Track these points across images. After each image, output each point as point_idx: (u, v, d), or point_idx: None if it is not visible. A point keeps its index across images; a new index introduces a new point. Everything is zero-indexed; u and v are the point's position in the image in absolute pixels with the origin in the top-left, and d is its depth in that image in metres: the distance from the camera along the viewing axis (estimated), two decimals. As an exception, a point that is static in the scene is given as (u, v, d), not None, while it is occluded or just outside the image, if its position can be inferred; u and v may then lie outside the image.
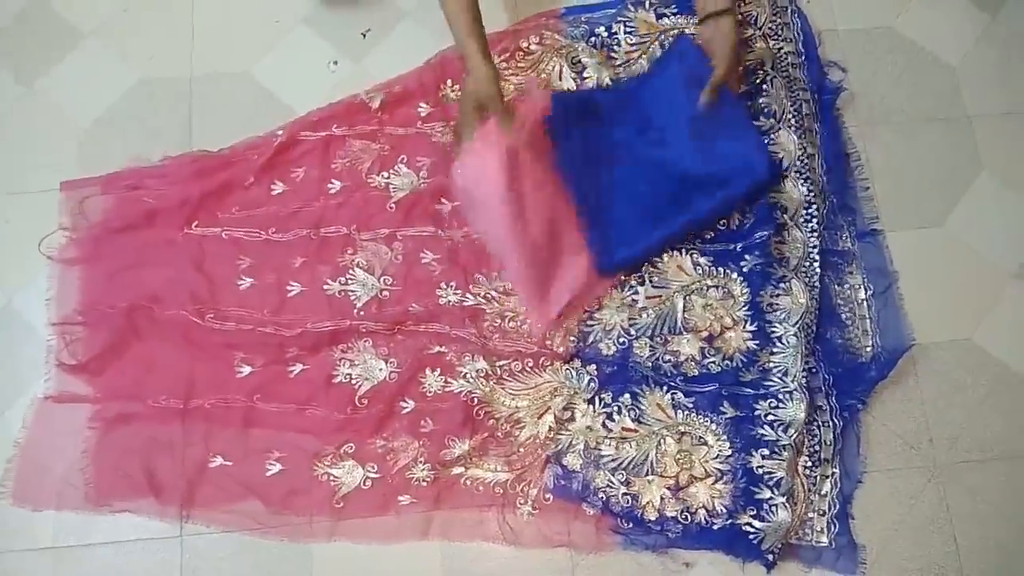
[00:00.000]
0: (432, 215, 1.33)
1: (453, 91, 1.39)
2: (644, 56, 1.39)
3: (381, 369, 1.26)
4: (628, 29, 1.41)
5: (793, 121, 1.37)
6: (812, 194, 1.34)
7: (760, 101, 1.36)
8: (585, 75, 1.38)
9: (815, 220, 1.33)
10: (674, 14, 1.42)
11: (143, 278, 1.28)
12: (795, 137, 1.36)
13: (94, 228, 1.31)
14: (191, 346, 1.25)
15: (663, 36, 1.40)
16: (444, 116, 1.37)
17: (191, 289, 1.28)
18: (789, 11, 1.45)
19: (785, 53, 1.42)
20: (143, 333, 1.26)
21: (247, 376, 1.25)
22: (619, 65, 1.39)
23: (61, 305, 1.28)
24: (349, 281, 1.30)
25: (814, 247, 1.32)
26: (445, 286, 1.29)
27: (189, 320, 1.26)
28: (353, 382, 1.25)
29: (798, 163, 1.35)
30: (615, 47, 1.40)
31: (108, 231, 1.30)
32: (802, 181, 1.34)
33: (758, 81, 1.38)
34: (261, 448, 1.22)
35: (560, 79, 1.38)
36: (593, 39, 1.39)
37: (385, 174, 1.35)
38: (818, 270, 1.31)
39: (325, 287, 1.29)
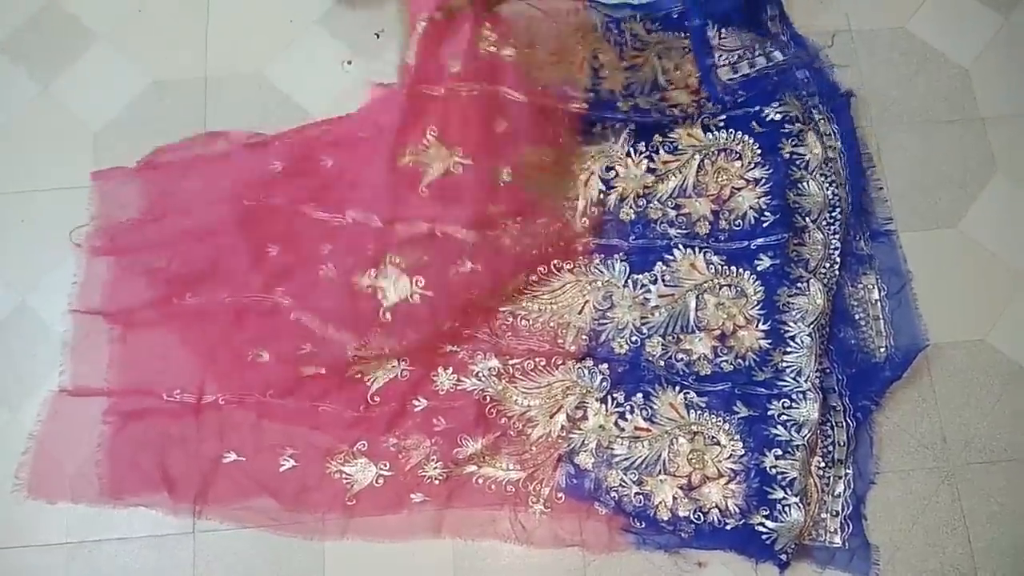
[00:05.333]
0: (476, 219, 1.23)
1: (493, 45, 1.28)
2: (647, 65, 1.39)
3: (394, 366, 1.26)
4: (632, 34, 1.41)
5: (815, 124, 1.37)
6: (837, 197, 1.34)
7: (779, 109, 1.35)
8: (601, 74, 1.38)
9: (838, 223, 1.33)
10: (659, 30, 1.42)
11: (169, 264, 1.29)
12: (819, 141, 1.35)
13: (123, 221, 1.32)
14: (208, 337, 1.26)
15: (658, 47, 1.40)
16: (478, 75, 1.26)
17: (226, 264, 1.28)
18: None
19: (784, 59, 1.42)
20: (164, 323, 1.27)
21: (262, 369, 1.25)
22: (627, 68, 1.39)
23: (84, 295, 1.28)
24: (380, 278, 1.24)
25: (835, 249, 1.31)
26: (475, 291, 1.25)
27: (210, 309, 1.26)
28: (366, 379, 1.25)
29: (824, 166, 1.35)
30: (624, 47, 1.40)
31: (137, 221, 1.31)
32: (827, 184, 1.34)
33: (768, 88, 1.37)
34: (274, 444, 1.22)
35: (580, 71, 1.37)
36: (607, 33, 1.39)
37: (411, 148, 1.25)
38: (837, 272, 1.30)
39: (354, 279, 1.24)
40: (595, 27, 1.39)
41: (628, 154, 1.35)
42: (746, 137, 1.35)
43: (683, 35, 1.40)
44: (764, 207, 1.30)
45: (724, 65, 1.38)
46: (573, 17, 1.39)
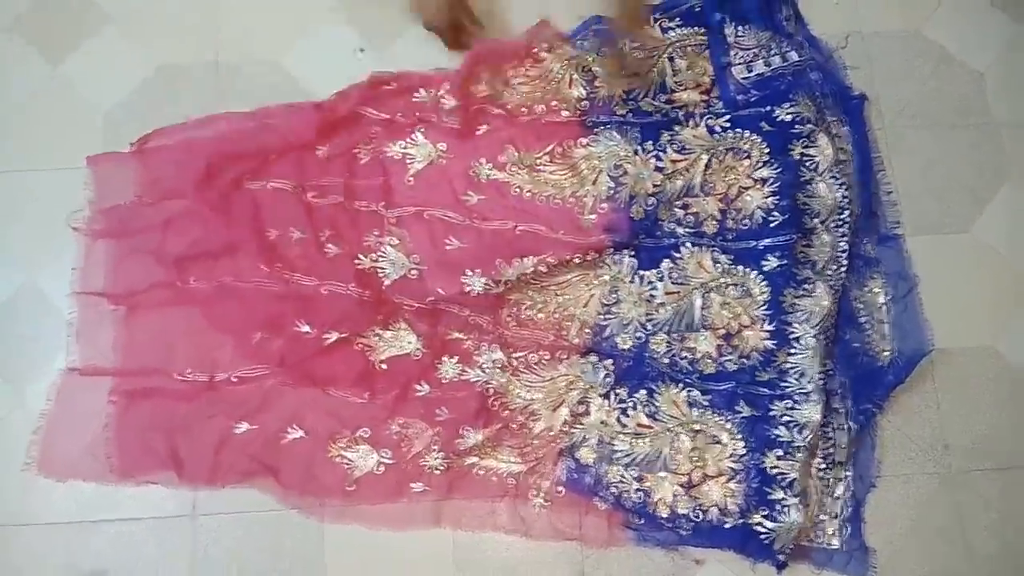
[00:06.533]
0: (458, 205, 1.31)
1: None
2: (654, 70, 1.38)
3: (411, 343, 1.27)
4: (634, 43, 1.39)
5: (827, 125, 1.36)
6: (847, 200, 1.33)
7: (790, 109, 1.34)
8: (597, 83, 1.37)
9: (846, 225, 1.32)
10: (679, 26, 1.41)
11: (169, 247, 1.29)
12: (831, 142, 1.35)
13: (121, 204, 1.31)
14: (214, 319, 1.26)
15: (670, 49, 1.39)
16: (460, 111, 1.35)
17: (230, 243, 1.29)
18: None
19: (799, 60, 1.41)
20: (168, 305, 1.27)
21: (271, 348, 1.25)
22: (630, 76, 1.38)
23: (86, 278, 1.28)
24: (379, 259, 1.30)
25: (843, 251, 1.31)
26: (471, 272, 1.27)
27: (214, 292, 1.27)
28: (378, 348, 1.27)
29: (834, 168, 1.34)
30: (626, 58, 1.38)
31: (137, 205, 1.31)
32: (837, 185, 1.33)
33: (782, 88, 1.36)
34: (282, 419, 1.23)
35: (570, 87, 1.37)
36: (603, 51, 1.38)
37: (402, 143, 1.34)
38: (844, 274, 1.30)
39: (356, 262, 1.29)
40: (584, 53, 1.38)
41: (636, 152, 1.34)
42: (754, 136, 1.34)
43: (703, 30, 1.39)
44: (772, 207, 1.30)
45: (739, 63, 1.38)
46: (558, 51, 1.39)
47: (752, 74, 1.38)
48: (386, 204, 1.31)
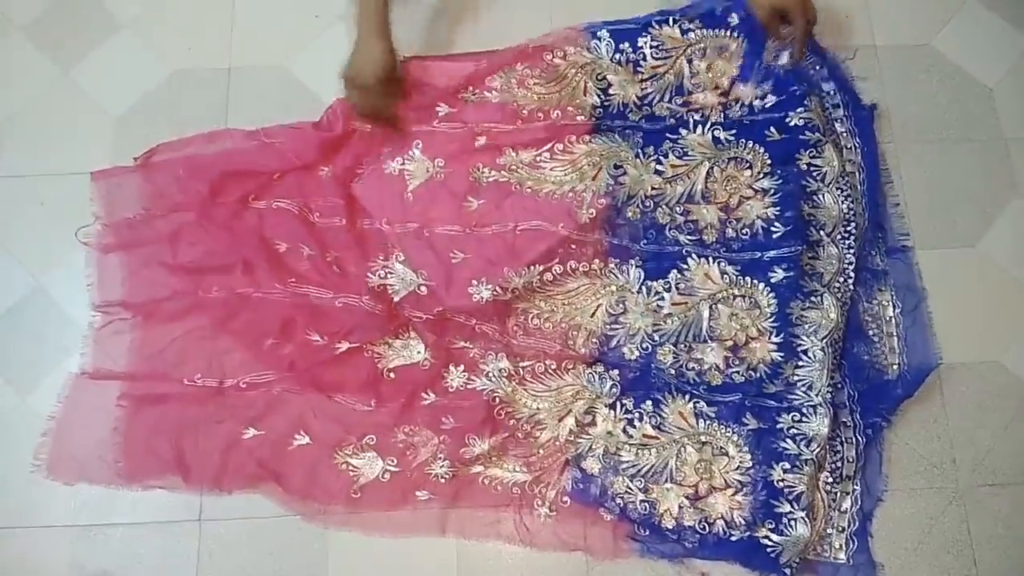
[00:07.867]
0: (457, 214, 1.32)
1: (474, 95, 1.37)
2: (671, 72, 1.38)
3: (420, 352, 1.27)
4: (654, 43, 1.39)
5: (835, 137, 1.36)
6: (853, 212, 1.33)
7: (803, 114, 1.33)
8: (611, 91, 1.37)
9: (853, 237, 1.32)
10: (699, 28, 1.40)
11: (180, 257, 1.29)
12: (838, 154, 1.35)
13: (129, 219, 1.31)
14: (234, 329, 1.27)
15: (690, 50, 1.39)
16: (462, 118, 1.37)
17: (243, 259, 1.29)
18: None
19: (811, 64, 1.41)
20: (189, 313, 1.27)
21: (282, 354, 1.26)
22: (645, 79, 1.38)
23: (102, 290, 1.29)
24: (388, 275, 1.30)
25: (850, 263, 1.31)
26: (477, 283, 1.28)
27: (226, 299, 1.27)
28: (387, 356, 1.27)
29: (840, 180, 1.34)
30: (641, 62, 1.38)
31: (145, 217, 1.31)
32: (843, 198, 1.33)
33: (798, 93, 1.35)
34: (289, 425, 1.23)
35: (585, 94, 1.37)
36: (618, 55, 1.38)
37: (400, 159, 1.35)
38: (851, 287, 1.30)
39: (366, 278, 1.30)
40: (598, 58, 1.38)
41: (636, 156, 1.35)
42: (757, 147, 1.34)
43: (724, 33, 1.37)
44: (773, 217, 1.30)
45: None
46: (572, 57, 1.38)
47: (777, 63, 1.37)
48: (388, 220, 1.32)
